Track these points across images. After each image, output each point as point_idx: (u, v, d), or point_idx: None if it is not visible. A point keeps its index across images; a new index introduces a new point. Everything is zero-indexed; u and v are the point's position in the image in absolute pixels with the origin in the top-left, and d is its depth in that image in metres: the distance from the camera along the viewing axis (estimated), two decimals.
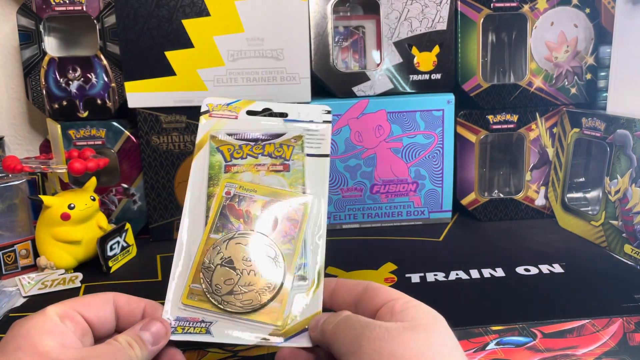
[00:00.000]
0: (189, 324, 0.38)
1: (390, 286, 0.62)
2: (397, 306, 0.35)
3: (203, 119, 0.45)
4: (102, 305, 0.36)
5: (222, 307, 0.38)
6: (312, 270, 0.40)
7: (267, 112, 0.46)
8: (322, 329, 0.36)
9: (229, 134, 0.44)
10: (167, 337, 0.37)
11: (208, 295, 0.39)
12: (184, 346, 0.39)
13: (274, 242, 0.41)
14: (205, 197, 0.42)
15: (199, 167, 0.43)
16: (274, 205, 0.42)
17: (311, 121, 0.44)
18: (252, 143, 0.44)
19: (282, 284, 0.39)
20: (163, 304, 0.39)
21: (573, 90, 0.81)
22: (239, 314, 0.38)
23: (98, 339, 0.36)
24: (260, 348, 0.50)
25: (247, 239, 0.41)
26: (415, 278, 0.64)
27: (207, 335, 0.38)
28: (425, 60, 0.79)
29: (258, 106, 0.45)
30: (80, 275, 0.66)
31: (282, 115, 0.45)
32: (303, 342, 0.38)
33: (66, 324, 0.33)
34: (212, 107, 0.45)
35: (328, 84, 0.78)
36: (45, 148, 0.80)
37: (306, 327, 0.38)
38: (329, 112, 0.45)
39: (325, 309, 0.39)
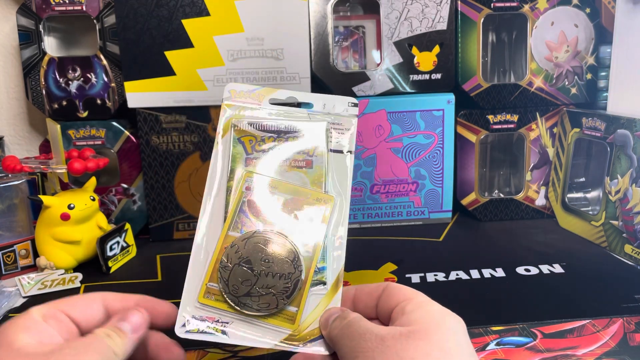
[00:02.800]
0: (205, 323, 0.37)
1: None
2: (407, 307, 0.34)
3: (225, 107, 0.42)
4: (89, 304, 0.36)
5: (238, 308, 0.38)
6: (332, 274, 0.39)
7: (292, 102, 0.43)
8: (329, 333, 0.36)
9: (251, 124, 0.42)
10: (146, 324, 0.36)
11: (225, 296, 0.38)
12: (188, 345, 0.39)
13: (293, 244, 0.39)
14: (225, 192, 0.41)
15: (219, 158, 0.41)
16: (295, 204, 0.40)
17: (337, 114, 0.42)
18: (275, 135, 0.42)
19: (300, 288, 0.38)
20: (169, 301, 0.39)
21: (573, 90, 0.81)
22: (255, 317, 0.38)
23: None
24: (260, 348, 0.50)
25: (267, 239, 0.39)
26: (415, 278, 0.63)
27: (222, 336, 0.37)
28: (426, 60, 0.79)
29: (281, 94, 0.43)
30: (80, 276, 0.66)
31: (307, 105, 0.43)
32: (319, 349, 0.37)
33: (49, 322, 0.33)
34: (234, 94, 0.43)
35: (328, 84, 0.78)
36: (45, 148, 0.80)
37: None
38: (355, 104, 0.42)
39: None
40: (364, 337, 0.32)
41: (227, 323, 0.37)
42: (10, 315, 0.59)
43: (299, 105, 0.43)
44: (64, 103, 0.77)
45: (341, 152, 0.41)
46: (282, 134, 0.42)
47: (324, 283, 0.39)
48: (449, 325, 0.33)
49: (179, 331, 0.37)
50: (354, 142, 0.41)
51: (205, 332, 0.37)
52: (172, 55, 0.73)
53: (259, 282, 0.38)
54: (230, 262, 0.38)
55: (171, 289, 0.57)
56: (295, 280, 0.38)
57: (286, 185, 0.41)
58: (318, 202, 0.40)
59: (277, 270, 0.38)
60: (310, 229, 0.39)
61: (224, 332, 0.37)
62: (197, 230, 0.40)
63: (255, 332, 0.37)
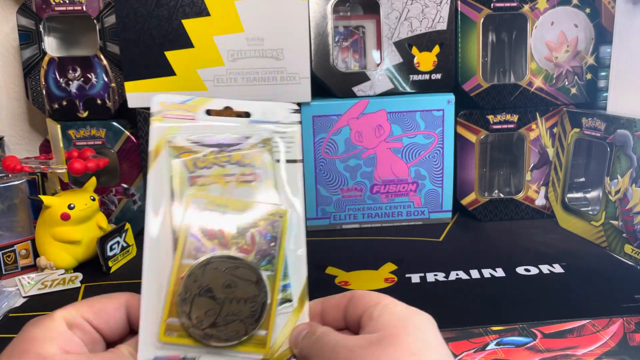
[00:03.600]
0: None
1: (389, 286, 0.62)
2: (374, 313, 0.33)
3: (156, 122, 0.38)
4: (113, 313, 0.35)
5: (205, 341, 0.35)
6: (297, 290, 0.37)
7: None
8: (300, 352, 0.35)
9: (189, 139, 0.38)
10: None
11: (188, 330, 0.35)
12: None
13: (253, 264, 0.36)
14: (169, 217, 0.37)
15: (157, 180, 0.38)
16: (248, 222, 0.37)
17: (278, 122, 0.39)
18: (217, 149, 0.38)
19: (267, 310, 0.36)
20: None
21: (573, 90, 0.81)
22: (225, 347, 0.35)
23: (110, 343, 0.35)
24: None
25: (226, 262, 0.36)
26: (415, 278, 0.63)
27: None
28: (426, 60, 0.79)
29: (217, 104, 0.39)
30: (80, 276, 0.66)
31: (246, 115, 0.40)
32: None
33: (75, 332, 0.33)
34: (164, 106, 0.38)
35: (328, 84, 0.78)
36: (45, 148, 0.80)
37: (295, 353, 0.36)
38: (297, 110, 0.39)
39: None
40: (334, 350, 0.32)
41: (194, 359, 0.35)
42: (10, 315, 0.59)
43: (246, 115, 0.40)
44: (64, 103, 0.77)
45: (289, 161, 0.39)
46: (224, 147, 0.39)
47: (290, 300, 0.37)
48: (416, 326, 0.32)
49: None
50: (300, 150, 0.39)
51: None
52: (172, 56, 0.73)
53: (224, 310, 0.35)
54: (190, 293, 0.35)
55: None
56: (262, 302, 0.36)
57: (237, 202, 0.38)
58: (272, 217, 0.38)
59: (242, 294, 0.36)
60: (269, 246, 0.37)
61: None
62: (143, 263, 0.36)
63: None
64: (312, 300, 0.38)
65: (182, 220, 0.37)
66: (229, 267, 0.36)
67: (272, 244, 0.37)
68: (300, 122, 0.39)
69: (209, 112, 0.39)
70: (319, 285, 0.63)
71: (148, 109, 0.76)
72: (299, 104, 0.77)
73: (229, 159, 0.38)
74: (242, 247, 0.37)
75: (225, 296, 0.35)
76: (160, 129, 0.38)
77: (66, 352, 0.31)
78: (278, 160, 0.39)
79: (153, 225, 0.38)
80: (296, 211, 0.38)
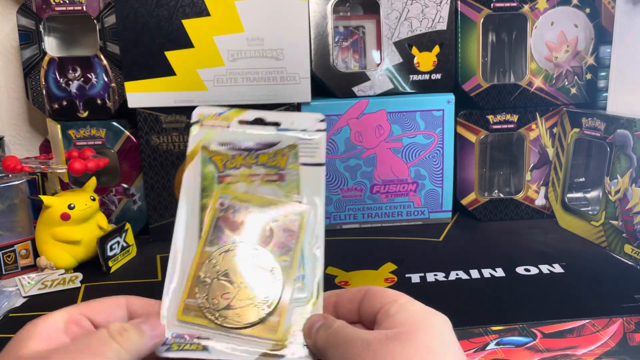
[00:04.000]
0: (186, 340, 0.37)
1: (389, 286, 0.62)
2: (392, 310, 0.34)
3: (194, 129, 0.43)
4: (113, 310, 0.36)
5: (219, 322, 0.37)
6: (311, 282, 0.39)
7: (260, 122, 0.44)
8: (315, 343, 0.35)
9: (222, 144, 0.43)
10: (163, 335, 0.36)
11: (204, 311, 0.38)
12: None
13: (270, 254, 0.39)
14: (199, 210, 0.41)
15: (191, 178, 0.42)
16: (269, 216, 0.41)
17: (305, 130, 0.43)
18: (246, 153, 0.43)
19: (280, 297, 0.38)
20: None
21: (573, 90, 0.81)
22: (237, 329, 0.37)
23: None
24: None
25: (244, 251, 0.39)
26: (415, 278, 0.63)
27: (204, 352, 0.37)
28: (425, 60, 0.79)
29: (250, 115, 0.44)
30: (80, 276, 0.66)
31: (276, 124, 0.44)
32: (303, 357, 0.37)
33: (70, 327, 0.33)
34: (202, 117, 0.44)
35: (328, 84, 0.78)
36: (45, 148, 0.80)
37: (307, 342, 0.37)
38: (323, 120, 0.43)
39: None
40: (350, 343, 0.32)
41: (209, 338, 0.37)
42: (10, 315, 0.59)
43: (273, 124, 0.44)
44: (64, 103, 0.77)
45: (312, 165, 0.42)
46: (252, 152, 0.43)
47: (304, 291, 0.39)
48: (434, 325, 0.32)
49: (160, 350, 0.37)
50: (324, 155, 0.42)
51: (186, 350, 0.37)
52: (172, 55, 0.73)
53: (239, 294, 0.38)
54: (209, 277, 0.38)
55: None
56: (275, 289, 0.38)
57: (259, 199, 0.41)
58: (292, 213, 0.41)
59: (257, 281, 0.38)
60: (287, 239, 0.40)
61: (205, 348, 0.37)
62: (171, 249, 0.40)
63: (238, 344, 0.37)
64: (327, 292, 0.39)
65: (208, 212, 0.41)
66: (247, 254, 0.39)
67: (290, 237, 0.40)
68: (325, 130, 0.43)
69: (241, 123, 0.44)
70: None
71: (148, 108, 0.77)
72: (298, 104, 0.78)
73: (255, 161, 0.42)
74: (262, 238, 0.40)
75: (241, 281, 0.38)
76: (197, 135, 0.43)
77: (53, 348, 0.31)
78: (303, 164, 0.42)
79: (182, 215, 0.41)
80: (316, 210, 0.41)
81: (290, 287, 0.39)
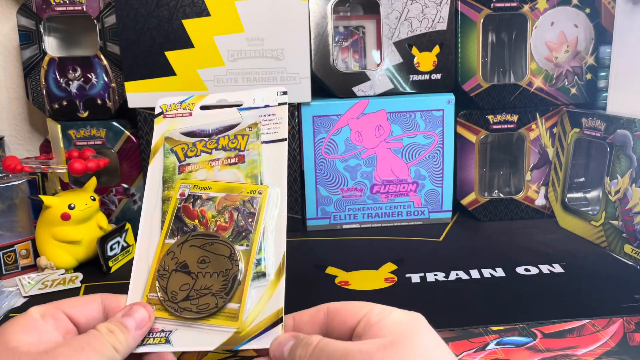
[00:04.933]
0: (149, 335, 0.37)
1: (390, 286, 0.62)
2: (372, 319, 0.33)
3: (157, 121, 0.43)
4: (88, 304, 0.36)
5: (178, 314, 0.37)
6: (273, 264, 0.38)
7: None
8: None
9: (183, 133, 0.42)
10: (150, 321, 0.36)
11: (165, 304, 0.37)
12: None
13: (228, 240, 0.39)
14: (161, 202, 0.41)
15: (153, 172, 0.42)
16: (229, 201, 0.40)
17: (267, 105, 0.42)
18: (206, 139, 0.42)
19: (239, 283, 0.37)
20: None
21: (573, 90, 0.81)
22: (197, 320, 0.37)
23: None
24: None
25: (202, 239, 0.39)
26: (415, 278, 0.63)
27: (166, 345, 0.36)
28: (426, 60, 0.79)
29: (212, 99, 0.43)
30: (80, 276, 0.66)
31: (238, 105, 0.43)
32: (264, 343, 0.36)
33: (47, 320, 0.33)
34: (165, 108, 0.43)
35: (328, 84, 0.78)
36: (45, 148, 0.80)
37: (268, 325, 0.36)
38: (285, 92, 0.42)
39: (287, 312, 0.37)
40: (347, 356, 0.31)
41: (171, 331, 0.37)
42: (10, 315, 0.59)
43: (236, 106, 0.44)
44: (65, 103, 0.77)
45: (274, 141, 0.41)
46: (212, 136, 0.42)
47: (265, 274, 0.38)
48: (421, 327, 0.33)
49: None
50: (286, 129, 0.41)
51: (150, 344, 0.36)
52: (172, 56, 0.73)
53: (197, 283, 0.37)
54: (168, 269, 0.38)
55: None
56: (233, 275, 0.37)
57: (219, 184, 0.41)
58: (252, 194, 0.40)
59: (215, 269, 0.38)
60: (247, 222, 0.39)
61: (167, 341, 0.36)
62: (136, 247, 0.40)
63: (199, 335, 0.37)
64: (284, 315, 0.38)
65: (169, 204, 0.41)
66: (205, 243, 0.39)
67: (250, 220, 0.39)
68: (286, 103, 0.42)
69: (204, 108, 0.43)
70: (319, 285, 0.63)
71: (148, 108, 0.77)
72: (298, 104, 0.78)
73: (216, 146, 0.42)
74: (221, 224, 0.39)
75: (199, 271, 0.38)
76: (160, 128, 0.42)
77: (37, 340, 0.32)
78: (264, 142, 0.41)
79: (145, 210, 0.41)
80: (276, 189, 0.40)
81: (250, 271, 0.38)
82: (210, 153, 0.42)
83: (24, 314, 0.34)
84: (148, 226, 0.41)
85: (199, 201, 0.40)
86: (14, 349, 0.30)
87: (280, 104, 0.42)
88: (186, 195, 0.41)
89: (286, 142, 0.41)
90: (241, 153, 0.41)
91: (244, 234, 0.39)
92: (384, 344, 0.31)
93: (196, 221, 0.40)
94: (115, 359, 0.33)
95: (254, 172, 0.41)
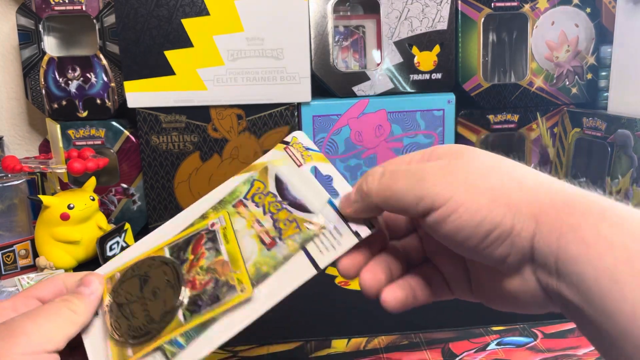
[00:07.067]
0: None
1: None
2: (425, 156, 0.33)
3: (278, 147, 0.39)
4: (53, 284, 0.37)
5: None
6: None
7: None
8: (377, 192, 0.32)
9: (275, 177, 0.38)
10: (102, 287, 0.37)
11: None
12: None
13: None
14: (200, 215, 0.38)
15: (226, 185, 0.39)
16: (220, 269, 0.35)
17: (347, 222, 0.36)
18: (279, 198, 0.37)
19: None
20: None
21: (574, 90, 0.81)
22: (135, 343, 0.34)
23: None
24: (260, 348, 0.50)
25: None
26: None
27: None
28: (426, 59, 0.79)
29: (326, 169, 0.39)
30: None
31: (335, 194, 0.39)
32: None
33: (18, 306, 0.35)
34: (294, 141, 0.39)
35: (328, 84, 0.78)
36: (45, 148, 0.79)
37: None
38: (373, 229, 0.36)
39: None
40: (422, 170, 0.31)
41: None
42: None
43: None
44: (64, 103, 0.77)
45: (311, 261, 0.35)
46: (283, 201, 0.37)
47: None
48: (469, 146, 0.33)
49: None
50: (330, 261, 0.35)
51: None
52: (172, 55, 0.73)
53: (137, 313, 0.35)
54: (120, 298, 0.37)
55: None
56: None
57: (233, 247, 0.36)
58: (236, 284, 0.35)
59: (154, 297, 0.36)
60: (206, 302, 0.35)
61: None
62: (152, 233, 0.39)
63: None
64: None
65: (199, 222, 0.38)
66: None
67: (209, 306, 0.35)
68: (359, 241, 0.35)
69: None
70: (319, 285, 0.63)
71: (148, 108, 0.77)
72: (298, 104, 0.78)
73: (274, 212, 0.37)
74: (196, 279, 0.36)
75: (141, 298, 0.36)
76: (273, 154, 0.39)
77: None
78: (303, 249, 0.35)
79: (184, 211, 0.39)
80: (257, 300, 0.34)
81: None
82: (264, 214, 0.37)
83: None
84: (169, 226, 0.39)
85: (210, 243, 0.36)
86: None
87: (354, 233, 0.36)
88: (211, 229, 0.37)
89: (314, 274, 0.35)
90: (278, 241, 0.36)
91: (197, 305, 0.35)
92: (448, 160, 0.31)
93: (191, 257, 0.36)
94: (76, 321, 0.34)
95: (263, 266, 0.35)
